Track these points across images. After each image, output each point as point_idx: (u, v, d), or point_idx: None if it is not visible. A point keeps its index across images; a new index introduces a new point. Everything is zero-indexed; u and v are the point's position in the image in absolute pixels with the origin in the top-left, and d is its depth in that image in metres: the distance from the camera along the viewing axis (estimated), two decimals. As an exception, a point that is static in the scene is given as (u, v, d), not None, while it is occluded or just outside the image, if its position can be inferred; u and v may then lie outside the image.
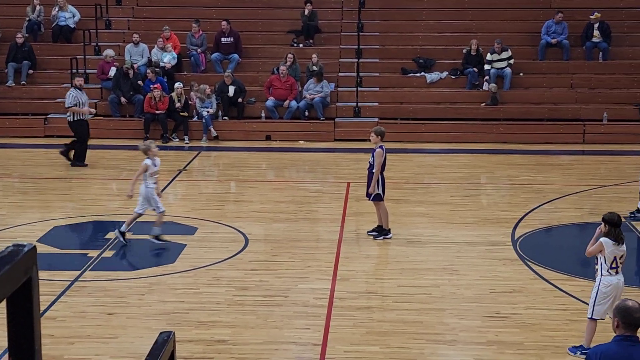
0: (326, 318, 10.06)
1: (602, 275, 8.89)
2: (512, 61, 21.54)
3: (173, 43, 22.28)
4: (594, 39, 22.14)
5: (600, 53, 22.17)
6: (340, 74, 22.23)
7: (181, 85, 20.83)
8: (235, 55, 22.40)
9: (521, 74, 21.81)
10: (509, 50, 21.63)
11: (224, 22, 22.35)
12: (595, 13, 22.05)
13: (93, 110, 18.65)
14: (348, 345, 9.35)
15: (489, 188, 16.76)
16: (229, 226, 13.69)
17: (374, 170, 12.67)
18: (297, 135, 20.73)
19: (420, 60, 22.32)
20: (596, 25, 22.08)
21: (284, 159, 19.10)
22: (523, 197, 15.56)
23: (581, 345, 9.12)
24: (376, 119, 20.45)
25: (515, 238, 13.16)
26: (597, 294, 8.90)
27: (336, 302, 10.55)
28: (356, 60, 22.29)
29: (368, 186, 12.83)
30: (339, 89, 21.72)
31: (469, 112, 21.08)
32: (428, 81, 21.91)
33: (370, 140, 13.21)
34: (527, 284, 11.22)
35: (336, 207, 14.83)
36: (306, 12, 22.92)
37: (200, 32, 22.52)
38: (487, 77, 21.29)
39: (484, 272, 11.65)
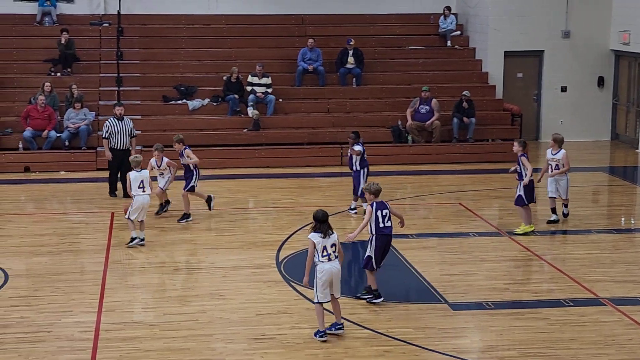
0: (92, 351, 9.87)
1: (316, 264, 10.15)
2: (270, 89, 22.06)
3: None
4: (348, 65, 23.17)
5: (354, 78, 23.23)
6: (101, 103, 21.80)
7: None
8: (-12, 85, 21.42)
9: (281, 100, 22.41)
10: (270, 77, 22.17)
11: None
12: (352, 40, 23.12)
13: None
14: (114, 378, 9.19)
15: (254, 212, 17.04)
16: (-14, 263, 13.06)
17: None
18: (57, 166, 20.07)
19: (182, 88, 22.37)
20: (350, 52, 23.13)
21: (45, 191, 18.44)
22: (286, 220, 15.96)
23: (318, 330, 10.13)
24: (139, 147, 20.17)
25: (280, 260, 13.48)
26: (315, 281, 10.17)
27: (102, 334, 10.35)
28: (117, 88, 21.97)
29: None
30: (99, 117, 21.27)
31: (232, 138, 21.35)
32: (190, 108, 21.99)
33: None
34: (292, 305, 11.52)
35: (100, 238, 14.52)
36: (63, 40, 22.32)
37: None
38: (251, 104, 21.65)
39: (249, 296, 11.85)
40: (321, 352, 10.02)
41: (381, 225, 11.30)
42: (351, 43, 23.10)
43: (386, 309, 11.38)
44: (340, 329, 10.38)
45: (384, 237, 11.38)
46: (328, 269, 10.11)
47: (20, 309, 11.18)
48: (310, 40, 23.09)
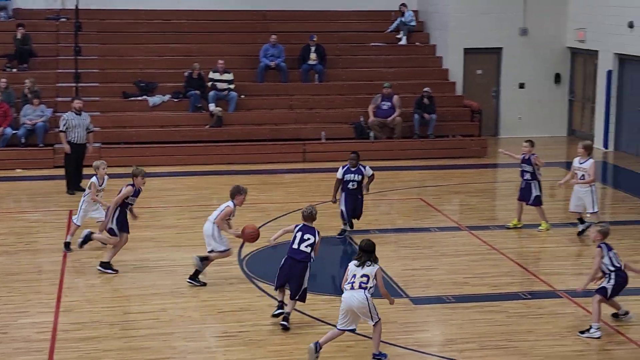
0: (49, 352, 9.76)
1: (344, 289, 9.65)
2: (232, 85, 21.99)
3: None
4: (311, 62, 23.16)
5: (317, 75, 23.23)
6: (59, 99, 21.55)
7: None
8: (-58, 81, 21.07)
9: (243, 96, 22.33)
10: (231, 73, 22.10)
11: None
12: (315, 36, 23.11)
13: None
14: (73, 378, 9.10)
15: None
16: (-60, 263, 12.85)
17: None
18: (13, 164, 19.81)
19: (142, 84, 22.20)
20: (313, 48, 23.12)
21: (0, 189, 18.18)
22: (249, 217, 15.87)
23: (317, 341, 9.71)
24: (99, 144, 20.02)
25: (242, 257, 13.44)
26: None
27: (60, 334, 10.25)
28: (75, 84, 21.73)
29: None
30: (57, 114, 21.01)
31: (193, 134, 21.24)
32: (150, 104, 21.84)
33: None
34: (254, 302, 11.52)
35: (58, 237, 14.34)
36: (19, 35, 22.02)
37: None
38: (211, 105, 21.56)
39: (211, 293, 11.82)
40: (283, 348, 10.01)
41: (294, 246, 10.61)
42: (314, 39, 23.09)
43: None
44: (378, 359, 9.67)
45: (287, 259, 10.66)
46: (347, 297, 9.57)
47: (-25, 309, 11.04)
48: (273, 37, 23.04)
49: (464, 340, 10.28)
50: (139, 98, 21.99)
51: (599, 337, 10.29)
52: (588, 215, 14.53)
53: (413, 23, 24.86)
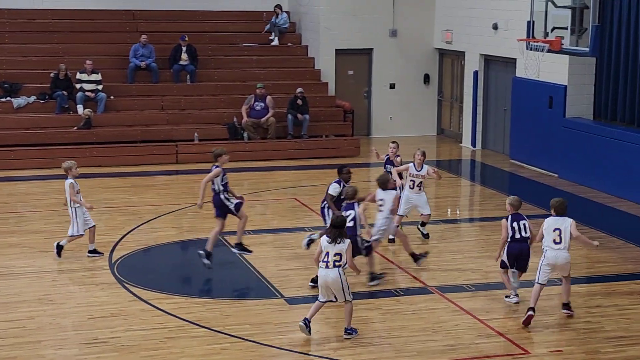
0: None
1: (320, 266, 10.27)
2: (100, 86, 21.49)
3: None
4: (182, 62, 22.90)
5: (188, 75, 22.98)
6: None
7: None
8: None
9: (112, 97, 21.86)
10: (99, 73, 21.61)
11: None
12: (187, 37, 22.86)
13: None
14: None
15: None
16: None
17: None
18: None
19: (5, 85, 21.43)
20: (184, 49, 22.86)
21: None
22: (120, 220, 15.60)
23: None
24: (-40, 148, 19.23)
25: (113, 261, 13.15)
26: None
27: None
28: None
29: None
30: None
31: (60, 136, 20.62)
32: (15, 106, 21.10)
33: None
34: (125, 307, 11.29)
35: None
36: None
37: None
38: (79, 107, 21.01)
39: (81, 299, 11.56)
40: (157, 353, 9.85)
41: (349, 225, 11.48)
42: (185, 39, 22.84)
43: (223, 306, 11.33)
44: (349, 333, 10.37)
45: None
46: (322, 275, 10.17)
47: None
48: (144, 37, 22.66)
49: (339, 338, 10.36)
50: (3, 99, 21.22)
51: (517, 303, 11.21)
52: (423, 215, 14.38)
53: (286, 25, 24.95)
